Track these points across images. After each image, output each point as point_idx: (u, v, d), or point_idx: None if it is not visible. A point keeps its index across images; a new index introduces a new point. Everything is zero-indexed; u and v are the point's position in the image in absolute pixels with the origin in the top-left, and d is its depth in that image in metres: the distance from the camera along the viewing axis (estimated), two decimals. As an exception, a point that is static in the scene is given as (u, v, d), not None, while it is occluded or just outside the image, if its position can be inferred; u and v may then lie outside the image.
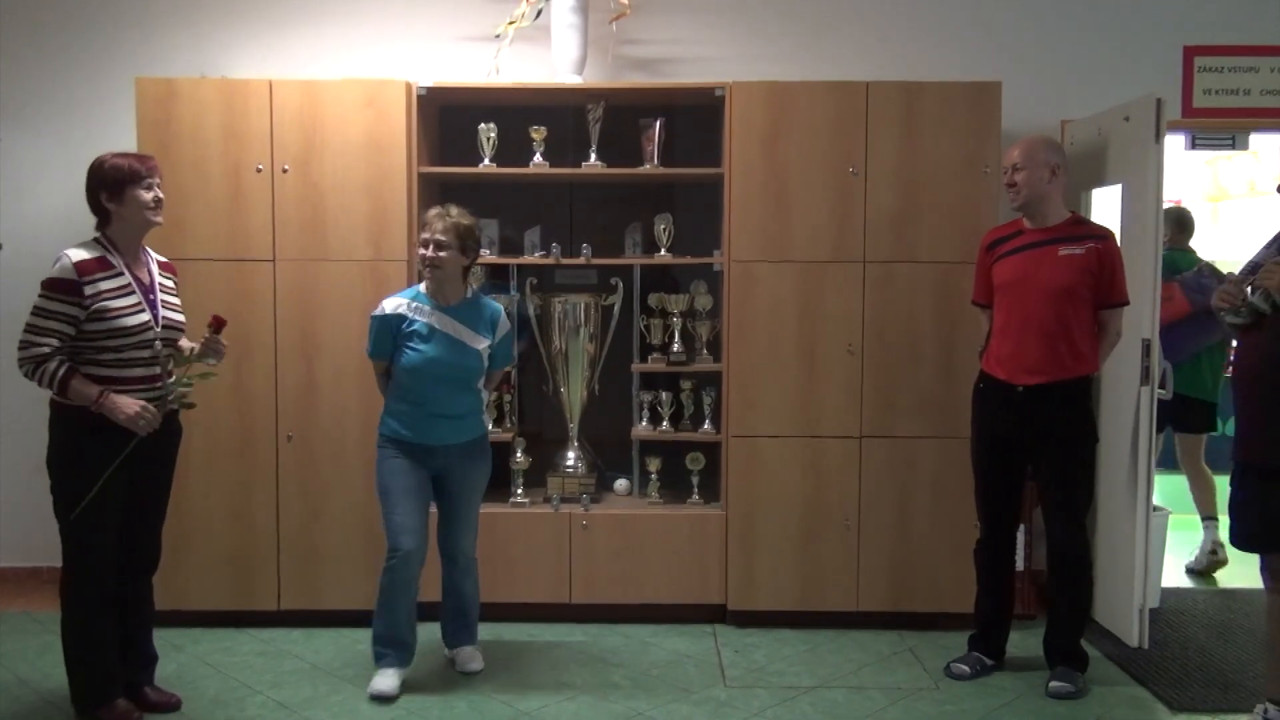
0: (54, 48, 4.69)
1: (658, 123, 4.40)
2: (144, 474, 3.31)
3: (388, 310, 3.65)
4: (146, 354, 3.23)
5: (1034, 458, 3.73)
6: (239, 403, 4.23)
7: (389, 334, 3.63)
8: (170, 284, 3.41)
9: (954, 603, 4.25)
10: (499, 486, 4.59)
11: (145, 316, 3.22)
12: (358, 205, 4.22)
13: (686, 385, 4.53)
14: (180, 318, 3.37)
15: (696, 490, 4.48)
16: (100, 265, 3.18)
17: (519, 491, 4.46)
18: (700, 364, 4.47)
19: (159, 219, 3.31)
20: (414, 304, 3.65)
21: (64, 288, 3.11)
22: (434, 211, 3.65)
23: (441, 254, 3.59)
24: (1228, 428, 6.92)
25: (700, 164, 4.47)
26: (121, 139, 4.30)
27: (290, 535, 4.27)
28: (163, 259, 3.47)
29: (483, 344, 3.67)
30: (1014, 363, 3.68)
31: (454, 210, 3.64)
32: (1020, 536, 4.04)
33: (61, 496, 3.21)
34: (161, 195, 3.32)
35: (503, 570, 4.32)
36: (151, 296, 3.28)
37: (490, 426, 3.94)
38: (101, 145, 4.52)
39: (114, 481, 3.20)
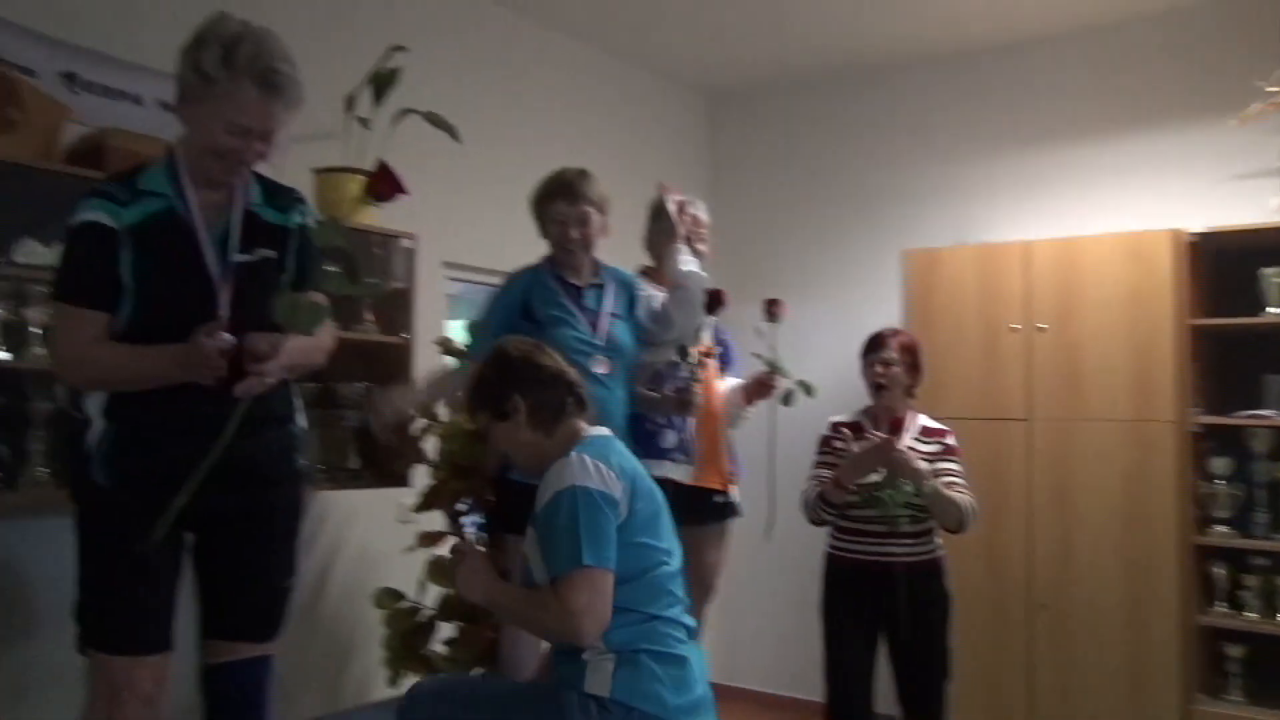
0: (831, 225, 5.22)
1: None
2: None
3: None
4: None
5: None
6: (990, 565, 4.14)
7: None
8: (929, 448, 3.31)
9: None
10: None
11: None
12: (1118, 362, 3.97)
13: None
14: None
15: None
16: (853, 428, 3.35)
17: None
18: None
19: None
20: None
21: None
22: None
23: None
24: None
25: None
26: (888, 306, 4.61)
27: (1043, 709, 4.00)
28: (933, 424, 3.38)
29: None
30: None
31: None
32: None
33: None
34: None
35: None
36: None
37: None
38: (870, 312, 4.92)
39: None
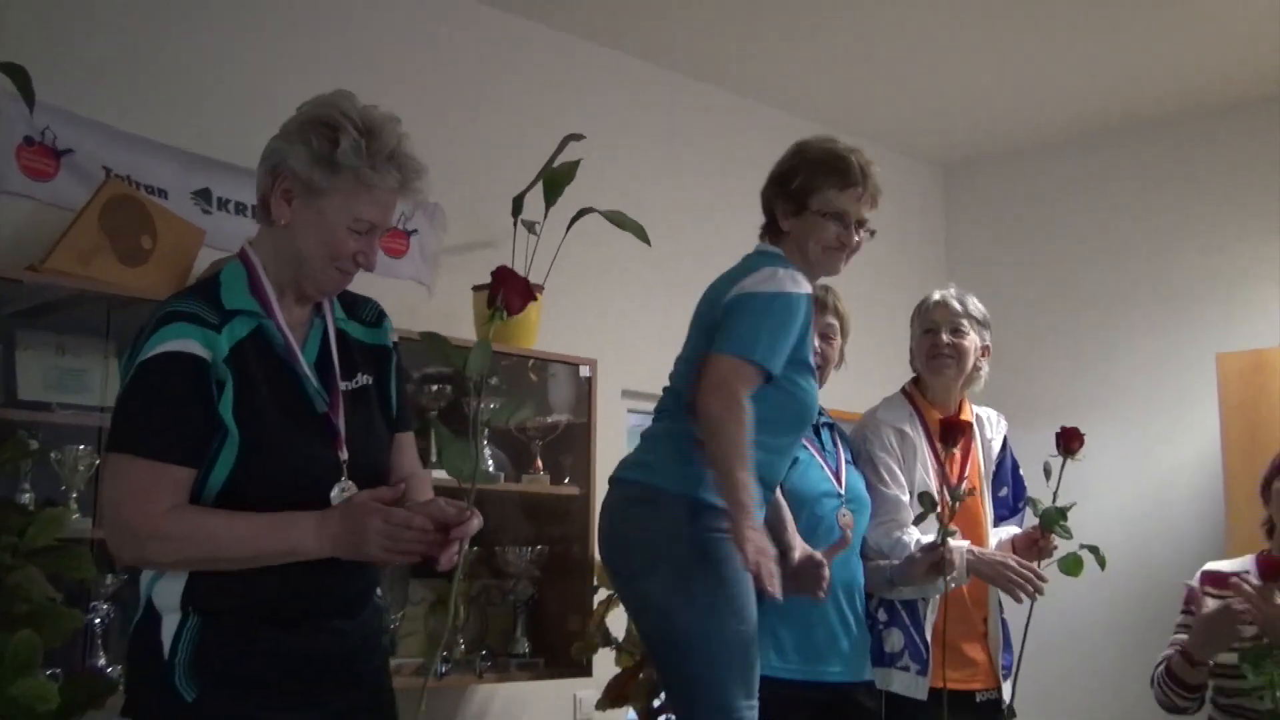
0: (1113, 322, 4.34)
1: None
2: None
3: None
4: None
5: None
6: None
7: None
8: None
9: None
10: None
11: None
12: None
13: None
14: None
15: None
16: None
17: None
18: None
19: None
20: None
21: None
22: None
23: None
24: None
25: None
26: (1199, 426, 3.82)
27: None
28: None
29: None
30: None
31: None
32: None
33: None
34: None
35: None
36: None
37: None
38: (1173, 432, 4.05)
39: None
